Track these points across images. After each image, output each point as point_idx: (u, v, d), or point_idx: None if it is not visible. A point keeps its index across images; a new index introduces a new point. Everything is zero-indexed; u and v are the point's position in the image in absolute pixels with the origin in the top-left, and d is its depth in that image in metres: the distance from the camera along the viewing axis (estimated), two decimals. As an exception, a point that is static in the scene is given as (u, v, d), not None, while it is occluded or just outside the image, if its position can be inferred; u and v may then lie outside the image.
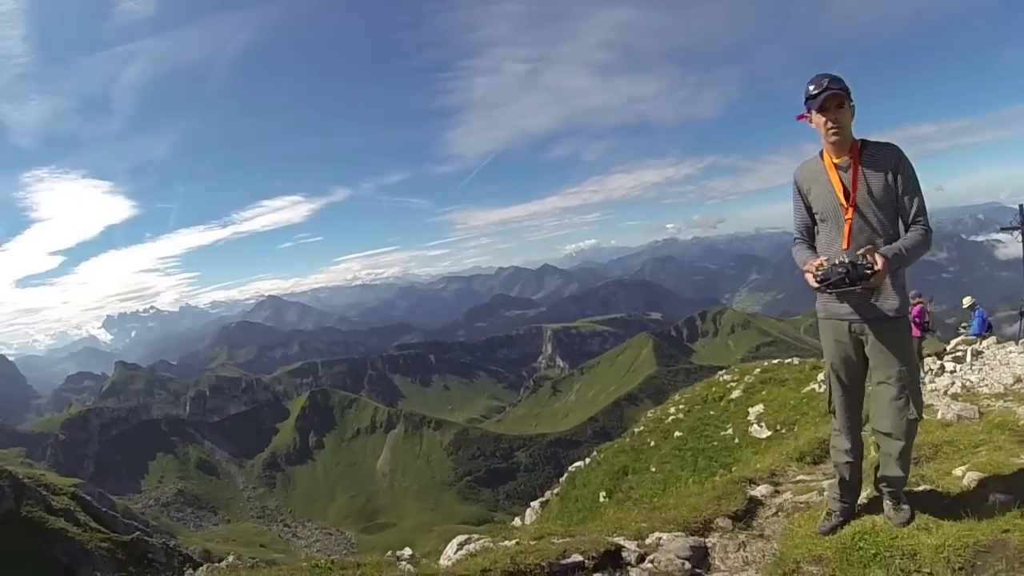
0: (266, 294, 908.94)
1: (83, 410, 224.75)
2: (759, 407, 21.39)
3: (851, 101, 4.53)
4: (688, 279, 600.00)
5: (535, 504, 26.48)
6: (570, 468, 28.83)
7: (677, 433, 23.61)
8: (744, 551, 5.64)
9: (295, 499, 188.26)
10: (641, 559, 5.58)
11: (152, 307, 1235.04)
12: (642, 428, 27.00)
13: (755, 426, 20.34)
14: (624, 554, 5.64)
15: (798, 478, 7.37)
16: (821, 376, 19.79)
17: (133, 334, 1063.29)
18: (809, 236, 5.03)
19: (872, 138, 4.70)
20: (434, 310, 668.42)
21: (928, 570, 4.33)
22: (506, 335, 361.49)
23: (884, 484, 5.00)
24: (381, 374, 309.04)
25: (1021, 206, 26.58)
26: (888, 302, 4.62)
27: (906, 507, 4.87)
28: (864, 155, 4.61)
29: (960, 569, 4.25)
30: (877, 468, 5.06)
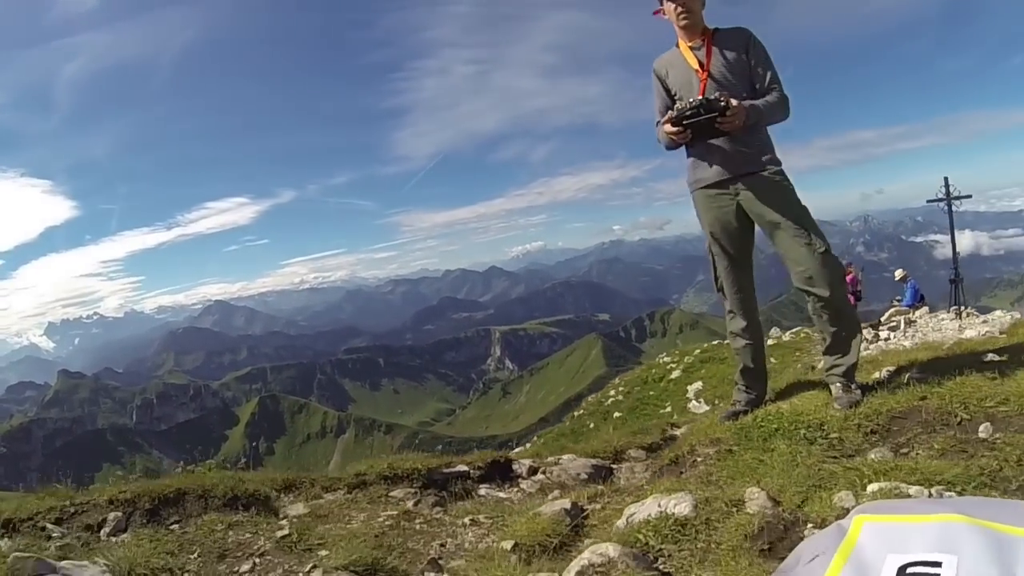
0: (213, 299, 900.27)
1: (25, 421, 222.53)
2: (698, 384, 21.55)
3: None
4: (635, 280, 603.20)
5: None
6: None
7: (616, 414, 23.53)
8: (651, 470, 5.36)
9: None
10: (533, 471, 5.56)
11: (96, 313, 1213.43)
12: (582, 412, 27.09)
13: (694, 402, 20.18)
14: (515, 467, 5.62)
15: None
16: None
17: (76, 341, 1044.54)
18: None
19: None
20: (382, 313, 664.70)
21: (837, 435, 4.11)
22: (454, 338, 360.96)
23: (829, 358, 4.73)
24: (330, 379, 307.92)
25: (946, 178, 27.86)
26: (756, 156, 4.62)
27: (858, 391, 4.52)
28: (716, 37, 4.75)
29: (872, 433, 4.06)
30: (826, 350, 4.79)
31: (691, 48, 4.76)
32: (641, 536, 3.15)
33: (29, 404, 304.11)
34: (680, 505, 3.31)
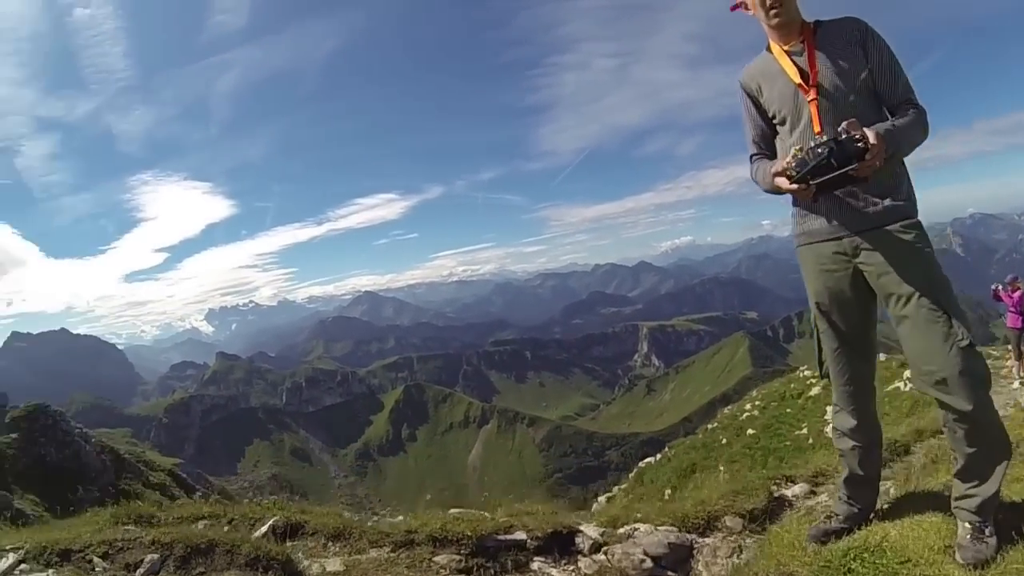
0: (362, 290, 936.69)
1: (185, 396, 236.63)
2: (840, 405, 20.42)
3: None
4: (785, 277, 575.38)
5: (601, 499, 25.82)
6: (640, 464, 28.26)
7: (750, 431, 22.96)
8: (738, 557, 4.51)
9: (385, 489, 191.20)
10: (596, 548, 4.78)
11: (251, 301, 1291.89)
12: (716, 424, 26.65)
13: (831, 426, 18.83)
14: (578, 540, 4.90)
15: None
16: (907, 373, 17.31)
17: (233, 327, 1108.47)
18: (768, 148, 3.79)
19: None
20: (530, 307, 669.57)
21: None
22: (602, 332, 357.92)
23: (961, 485, 3.42)
24: (476, 370, 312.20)
25: None
26: (888, 202, 3.33)
27: (991, 539, 3.22)
28: (820, 34, 3.49)
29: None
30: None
31: (788, 53, 3.56)
32: None
33: (190, 381, 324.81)
34: None
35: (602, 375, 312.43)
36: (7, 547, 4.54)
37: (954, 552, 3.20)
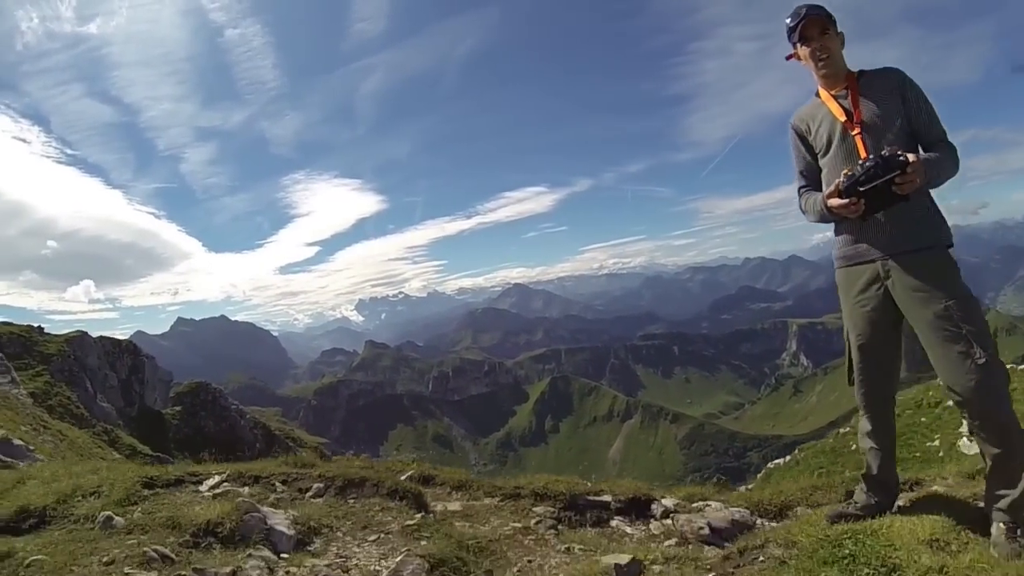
0: (512, 282, 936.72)
1: (334, 381, 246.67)
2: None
3: (836, 28, 4.11)
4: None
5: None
6: (768, 465, 28.19)
7: (880, 439, 22.46)
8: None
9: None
10: (666, 515, 5.66)
11: (401, 292, 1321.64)
12: (848, 430, 25.95)
13: (964, 439, 18.20)
14: (654, 506, 5.84)
15: (941, 484, 5.32)
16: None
17: (383, 316, 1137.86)
18: (814, 182, 4.40)
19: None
20: (679, 300, 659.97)
21: None
22: (750, 328, 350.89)
23: (992, 487, 3.78)
24: (623, 363, 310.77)
25: None
26: (917, 228, 3.85)
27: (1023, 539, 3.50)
28: (862, 81, 4.11)
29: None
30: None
31: (835, 97, 4.14)
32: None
33: (338, 367, 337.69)
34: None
35: (748, 373, 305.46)
36: (213, 472, 6.11)
37: (994, 550, 3.47)
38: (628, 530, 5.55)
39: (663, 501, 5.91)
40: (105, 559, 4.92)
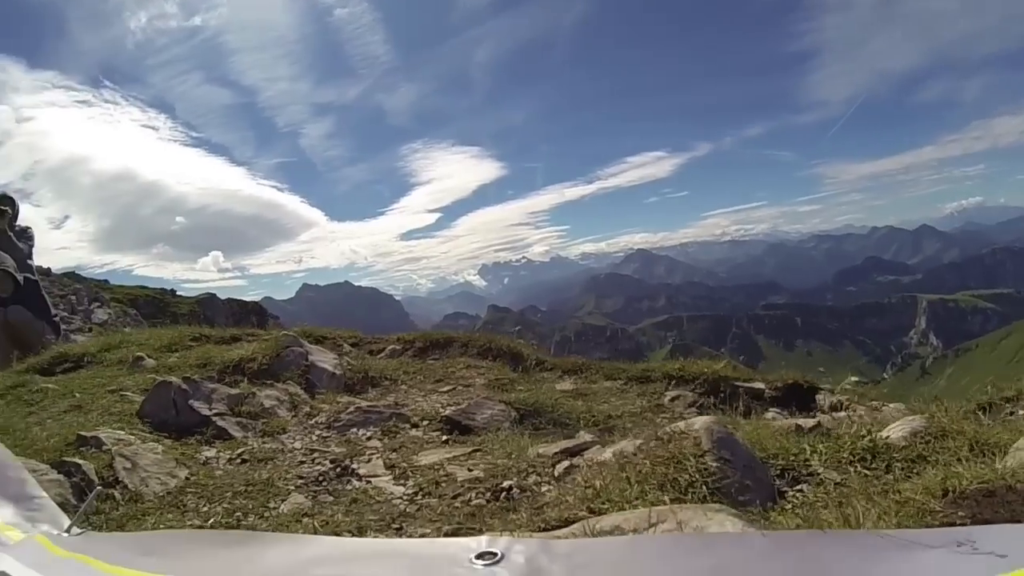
0: (635, 247, 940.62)
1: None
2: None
3: None
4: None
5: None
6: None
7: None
8: None
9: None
10: (836, 408, 4.85)
11: (524, 257, 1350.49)
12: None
13: None
14: (819, 397, 5.29)
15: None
16: None
17: (505, 281, 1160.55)
18: None
19: None
20: (803, 269, 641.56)
21: None
22: (876, 302, 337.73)
23: None
24: (745, 333, 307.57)
25: None
26: None
27: None
28: None
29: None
30: None
31: None
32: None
33: (461, 331, 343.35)
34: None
35: (873, 350, 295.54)
36: (281, 333, 5.87)
37: None
38: (788, 422, 4.46)
39: (833, 395, 5.41)
40: (112, 387, 5.47)
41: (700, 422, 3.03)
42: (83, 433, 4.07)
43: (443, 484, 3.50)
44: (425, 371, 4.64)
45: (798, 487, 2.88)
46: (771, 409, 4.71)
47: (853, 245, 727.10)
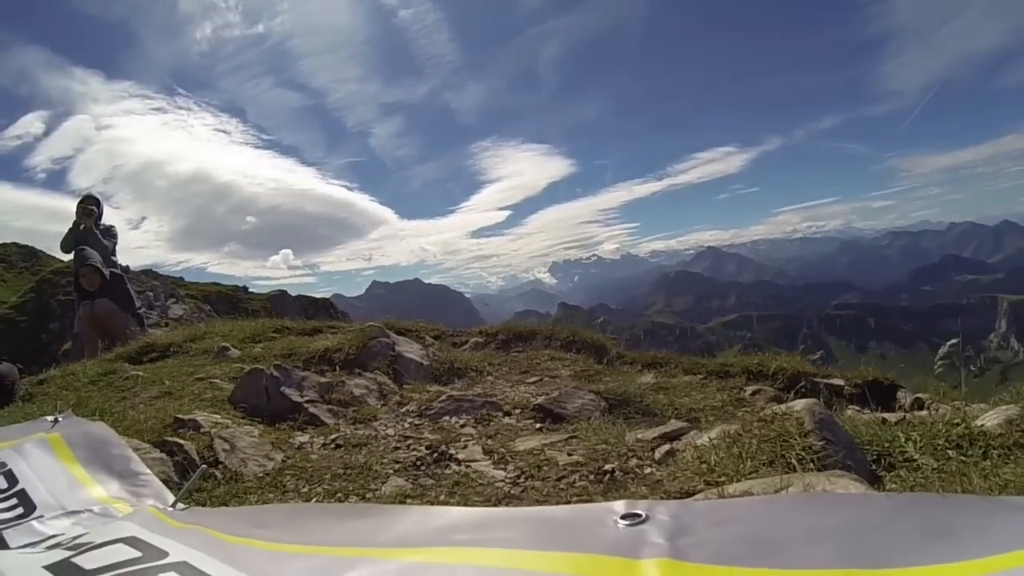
0: (705, 245, 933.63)
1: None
2: None
3: None
4: None
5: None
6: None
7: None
8: None
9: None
10: (919, 406, 4.81)
11: (594, 255, 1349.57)
12: None
13: None
14: (899, 395, 5.23)
15: None
16: None
17: (575, 279, 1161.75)
18: None
19: None
20: (877, 268, 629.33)
21: None
22: (954, 303, 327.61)
23: None
24: (816, 333, 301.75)
25: None
26: None
27: None
28: None
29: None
30: None
31: None
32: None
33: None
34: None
35: (950, 353, 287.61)
36: (367, 324, 5.88)
37: None
38: (874, 415, 4.32)
39: (916, 394, 5.23)
40: (200, 375, 5.57)
41: (801, 404, 3.12)
42: (180, 416, 4.26)
43: (544, 468, 3.50)
44: (510, 362, 4.64)
45: (895, 472, 2.92)
46: (851, 406, 4.69)
47: (930, 242, 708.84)
